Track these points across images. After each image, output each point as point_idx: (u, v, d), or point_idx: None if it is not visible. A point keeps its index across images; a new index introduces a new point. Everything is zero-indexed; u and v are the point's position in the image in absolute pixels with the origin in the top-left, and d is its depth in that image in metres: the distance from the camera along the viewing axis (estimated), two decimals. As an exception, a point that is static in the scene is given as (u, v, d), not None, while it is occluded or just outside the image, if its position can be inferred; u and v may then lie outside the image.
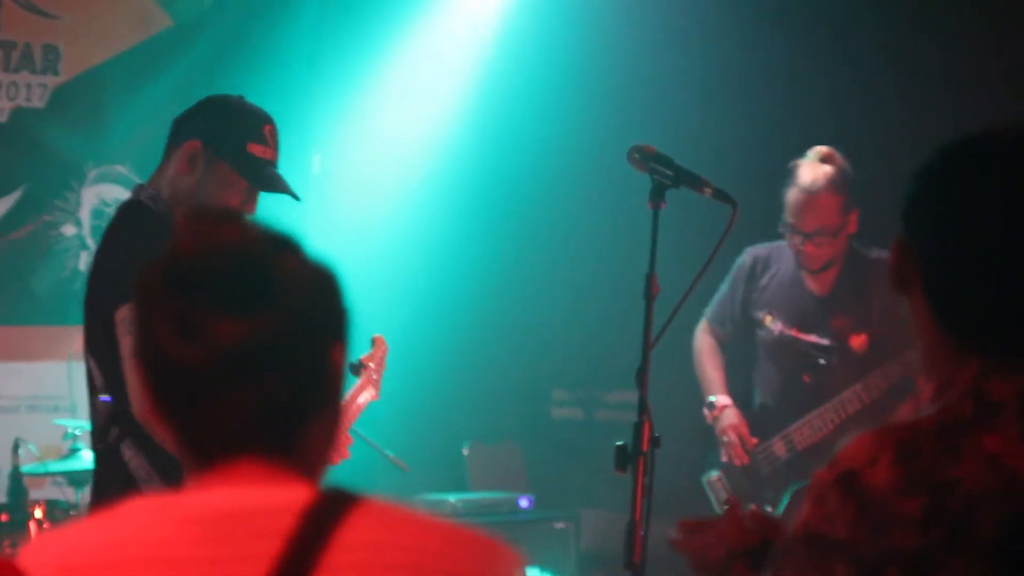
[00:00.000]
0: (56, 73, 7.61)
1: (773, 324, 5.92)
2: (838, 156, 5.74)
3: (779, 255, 6.00)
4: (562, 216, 8.02)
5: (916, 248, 2.21)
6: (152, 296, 1.90)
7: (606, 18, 7.79)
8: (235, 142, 4.39)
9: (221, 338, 1.86)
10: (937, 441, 2.07)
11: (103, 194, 7.75)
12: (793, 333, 5.90)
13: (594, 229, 7.87)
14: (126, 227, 4.35)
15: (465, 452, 8.03)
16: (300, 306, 1.90)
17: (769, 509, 5.80)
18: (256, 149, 4.42)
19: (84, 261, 7.70)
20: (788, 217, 5.75)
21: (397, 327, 7.28)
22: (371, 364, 4.80)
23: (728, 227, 4.49)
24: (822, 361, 5.81)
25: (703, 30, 7.54)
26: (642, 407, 3.93)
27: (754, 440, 5.95)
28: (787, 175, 5.74)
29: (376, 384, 4.82)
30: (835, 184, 5.66)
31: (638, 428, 3.89)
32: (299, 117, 8.00)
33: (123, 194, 7.66)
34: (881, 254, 5.78)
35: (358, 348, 4.79)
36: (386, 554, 1.86)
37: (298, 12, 8.13)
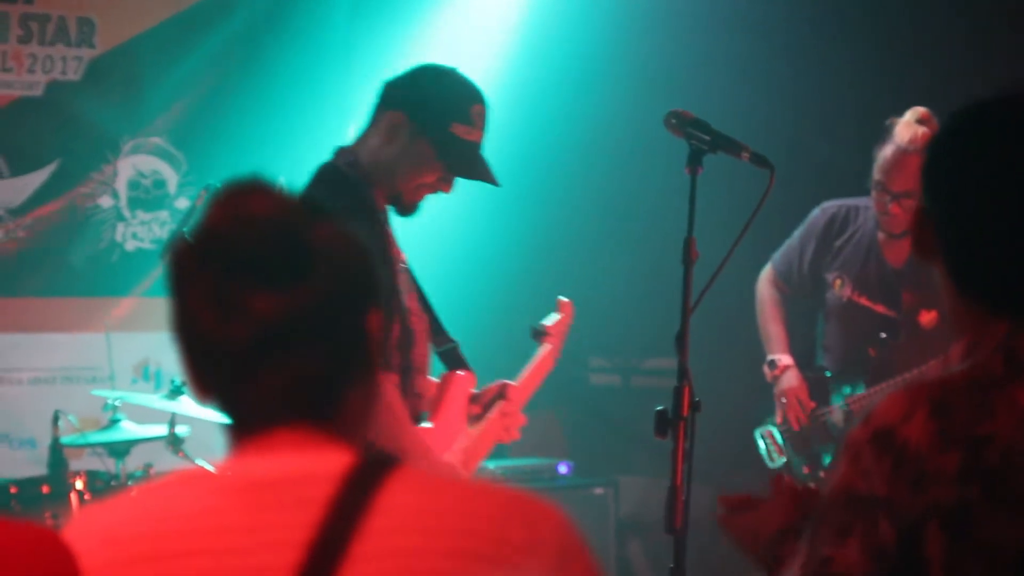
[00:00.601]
0: (91, 46, 7.62)
1: (842, 289, 5.83)
2: (935, 120, 5.63)
3: (856, 216, 5.89)
4: (598, 182, 8.00)
5: (935, 216, 2.22)
6: (186, 273, 1.89)
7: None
8: (439, 120, 4.29)
9: (258, 313, 1.85)
10: (970, 397, 2.07)
11: (139, 166, 7.77)
12: (863, 301, 5.80)
13: (631, 195, 7.86)
14: (317, 192, 4.26)
15: (503, 420, 8.03)
16: (335, 275, 1.89)
17: (822, 475, 5.77)
18: (460, 130, 4.32)
19: (120, 233, 7.72)
20: (877, 174, 5.61)
21: (431, 297, 7.29)
22: (553, 332, 4.77)
23: (766, 191, 4.47)
24: (884, 335, 5.72)
25: (725, 15, 7.52)
26: (682, 372, 3.92)
27: (812, 404, 5.88)
28: (883, 131, 5.62)
29: (555, 354, 4.78)
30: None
31: (678, 393, 3.88)
32: (334, 89, 8.00)
33: (159, 165, 7.70)
34: None
35: (539, 312, 4.80)
36: (427, 519, 1.85)
37: (333, -19, 8.13)
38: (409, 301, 4.43)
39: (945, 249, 2.22)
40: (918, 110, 5.59)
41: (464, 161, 4.32)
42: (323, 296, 1.88)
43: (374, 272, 1.96)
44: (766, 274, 6.16)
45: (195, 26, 7.81)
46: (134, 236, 7.75)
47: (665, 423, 3.88)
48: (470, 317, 6.98)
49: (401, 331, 4.33)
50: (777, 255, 6.12)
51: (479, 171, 4.34)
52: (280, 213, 1.89)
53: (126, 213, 7.73)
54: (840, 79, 6.96)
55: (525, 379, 4.71)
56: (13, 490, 5.86)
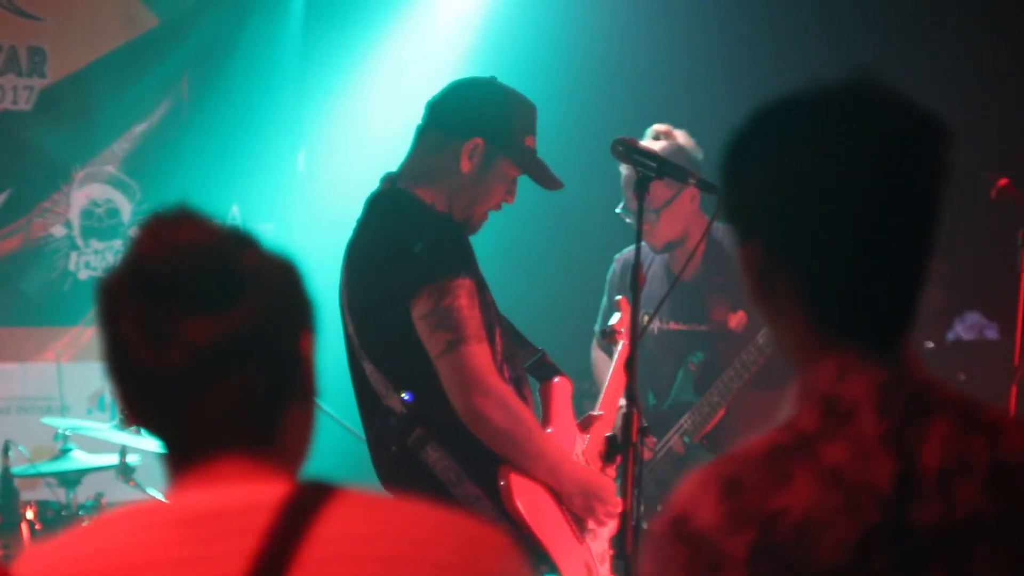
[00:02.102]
0: (42, 75, 7.61)
1: (651, 324, 5.76)
2: (677, 133, 5.63)
3: (645, 255, 5.87)
4: (548, 207, 7.99)
5: (762, 240, 1.96)
6: (117, 303, 1.88)
7: (590, 8, 7.80)
8: (518, 138, 4.37)
9: (190, 339, 1.84)
10: (766, 467, 1.88)
11: (92, 195, 7.75)
12: (671, 326, 5.80)
13: (579, 220, 7.86)
14: (396, 219, 4.28)
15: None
16: (266, 299, 1.89)
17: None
18: (530, 141, 4.41)
19: (73, 261, 7.70)
20: (624, 191, 5.57)
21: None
22: (622, 329, 4.89)
23: (714, 215, 4.51)
24: (706, 347, 5.70)
25: (688, 17, 7.54)
26: (631, 397, 3.92)
27: (653, 439, 5.66)
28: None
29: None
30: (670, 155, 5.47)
31: (627, 418, 3.88)
32: (285, 114, 8.00)
33: (112, 194, 7.68)
34: None
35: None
36: (366, 546, 1.85)
37: (284, 9, 8.13)
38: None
39: (779, 277, 1.96)
40: (655, 128, 5.60)
41: (543, 170, 4.42)
42: (255, 320, 1.87)
43: (305, 295, 1.96)
44: (594, 343, 6.15)
45: (146, 54, 7.81)
46: (87, 265, 7.72)
47: (615, 449, 3.88)
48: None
49: (504, 343, 4.34)
50: (596, 325, 6.11)
51: (552, 178, 4.44)
52: (208, 240, 1.89)
53: (79, 242, 7.71)
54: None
55: (609, 390, 4.78)
56: (-37, 521, 5.84)
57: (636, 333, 4.02)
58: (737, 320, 5.69)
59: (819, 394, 1.91)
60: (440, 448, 4.16)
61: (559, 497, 4.32)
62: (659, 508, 5.57)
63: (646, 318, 5.77)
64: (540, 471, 4.26)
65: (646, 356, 5.90)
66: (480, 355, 4.13)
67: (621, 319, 4.99)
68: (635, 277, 4.07)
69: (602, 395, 4.84)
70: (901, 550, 1.86)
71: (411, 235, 4.20)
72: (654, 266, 5.84)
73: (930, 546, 1.86)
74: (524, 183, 4.45)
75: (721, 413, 5.58)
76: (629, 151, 4.18)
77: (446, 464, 4.16)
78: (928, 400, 1.92)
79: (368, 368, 4.24)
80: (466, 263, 4.23)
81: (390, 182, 4.38)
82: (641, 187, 4.14)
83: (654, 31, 7.60)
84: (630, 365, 3.97)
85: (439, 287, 4.11)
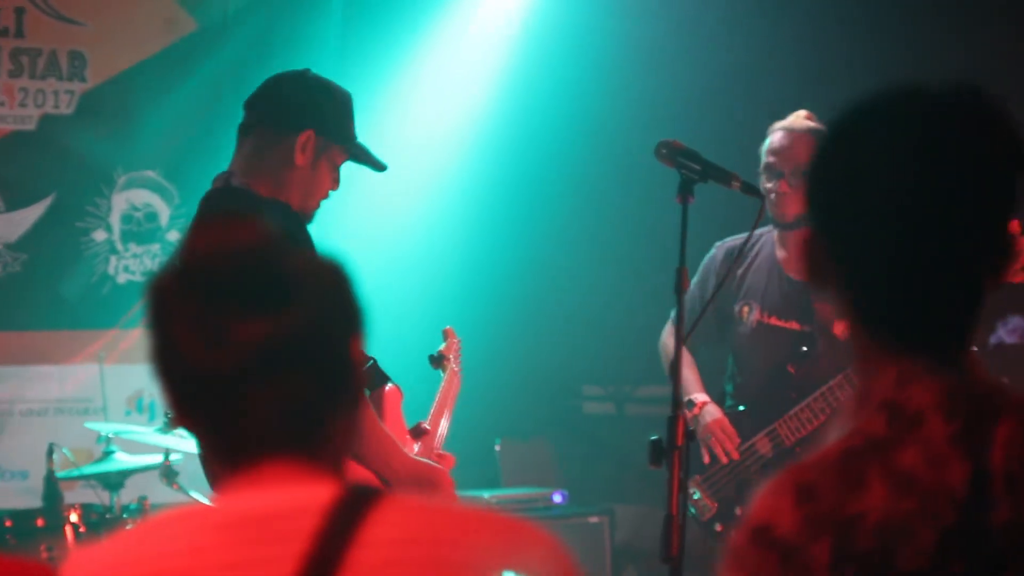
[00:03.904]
0: (83, 79, 7.64)
1: (750, 315, 5.62)
2: (819, 121, 5.63)
3: (753, 244, 5.67)
4: (592, 211, 8.02)
5: (822, 236, 1.96)
6: (169, 302, 1.88)
7: (631, 13, 7.79)
8: (344, 126, 4.36)
9: (243, 339, 1.84)
10: (841, 472, 1.87)
11: (133, 199, 7.78)
12: (772, 321, 5.58)
13: (624, 224, 7.87)
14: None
15: (497, 448, 8.03)
16: (318, 302, 1.89)
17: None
18: (352, 128, 4.41)
19: (113, 265, 7.73)
20: (767, 158, 5.44)
21: (425, 325, 7.29)
22: (450, 355, 4.87)
23: (757, 219, 4.49)
24: (805, 349, 5.50)
25: (726, 24, 7.53)
26: (676, 401, 3.92)
27: (738, 439, 5.58)
28: (767, 136, 5.55)
29: (458, 374, 4.88)
30: (816, 134, 5.36)
31: (672, 422, 3.88)
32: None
33: (151, 198, 7.71)
34: None
35: (430, 343, 4.92)
36: (413, 549, 1.85)
37: (323, 12, 8.15)
38: None
39: (835, 275, 1.96)
40: (801, 112, 5.52)
41: (368, 155, 4.41)
42: (307, 322, 1.87)
43: (355, 299, 1.96)
44: (667, 329, 5.85)
45: (185, 58, 7.84)
46: (126, 269, 7.76)
47: (659, 453, 3.88)
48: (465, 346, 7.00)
49: None
50: (674, 310, 5.90)
51: (378, 161, 4.43)
52: (260, 241, 1.89)
53: (119, 246, 7.74)
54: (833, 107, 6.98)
55: (436, 410, 4.74)
56: (8, 523, 5.86)
57: (680, 337, 4.01)
58: (843, 328, 5.54)
59: (880, 400, 1.90)
60: None
61: (388, 485, 4.25)
62: (737, 510, 5.54)
63: (746, 308, 5.71)
64: (376, 461, 4.16)
65: (729, 354, 5.77)
66: None
67: (448, 346, 4.94)
68: (679, 282, 4.07)
69: (432, 410, 4.79)
70: (978, 554, 1.85)
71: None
72: (760, 256, 5.66)
73: (1005, 549, 1.85)
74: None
75: (823, 419, 5.42)
76: (673, 153, 4.18)
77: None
78: (993, 404, 1.90)
79: None
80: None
81: (223, 180, 4.27)
82: (685, 190, 4.13)
83: (689, 36, 7.59)
84: (675, 369, 3.97)
85: None
